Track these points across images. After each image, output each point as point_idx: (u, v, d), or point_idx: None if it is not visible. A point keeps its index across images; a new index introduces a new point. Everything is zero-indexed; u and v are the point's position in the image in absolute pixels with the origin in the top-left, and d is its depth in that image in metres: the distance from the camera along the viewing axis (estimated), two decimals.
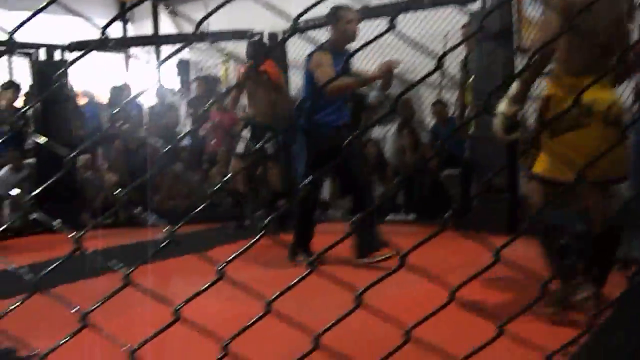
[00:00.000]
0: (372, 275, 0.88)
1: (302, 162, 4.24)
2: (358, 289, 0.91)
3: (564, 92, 2.66)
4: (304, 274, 0.92)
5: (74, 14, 0.87)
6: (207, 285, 0.89)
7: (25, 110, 5.75)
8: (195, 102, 8.44)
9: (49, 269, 0.88)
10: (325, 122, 4.13)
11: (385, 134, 7.09)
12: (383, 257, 4.01)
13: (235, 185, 5.76)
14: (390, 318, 0.93)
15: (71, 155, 0.87)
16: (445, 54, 0.98)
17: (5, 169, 6.92)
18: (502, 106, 2.79)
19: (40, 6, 0.85)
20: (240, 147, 5.69)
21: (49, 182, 0.88)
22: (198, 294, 0.90)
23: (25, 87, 7.45)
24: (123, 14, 10.59)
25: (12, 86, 7.22)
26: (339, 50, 4.09)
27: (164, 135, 7.59)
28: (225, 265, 0.88)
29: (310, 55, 4.12)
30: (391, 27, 0.86)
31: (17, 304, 0.88)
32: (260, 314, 0.89)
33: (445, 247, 3.41)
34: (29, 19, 0.85)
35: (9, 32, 0.84)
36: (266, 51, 5.81)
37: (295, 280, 0.92)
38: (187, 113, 8.46)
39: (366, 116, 7.21)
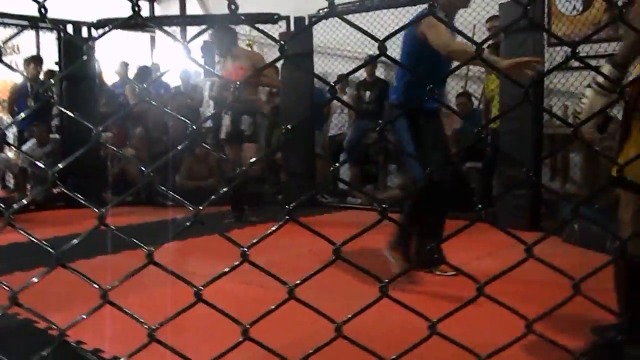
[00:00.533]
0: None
1: (412, 147, 3.44)
2: (382, 280, 0.89)
3: None
4: (328, 262, 0.90)
5: None
6: (231, 267, 0.88)
7: (49, 85, 5.76)
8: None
9: (73, 242, 0.87)
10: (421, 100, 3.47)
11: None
12: (451, 274, 3.51)
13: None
14: (415, 311, 0.91)
15: (98, 131, 0.84)
16: (484, 42, 0.94)
17: (32, 142, 7.00)
18: (591, 95, 2.08)
19: None
20: (222, 132, 5.66)
21: (74, 155, 0.85)
22: (221, 275, 0.89)
23: (51, 62, 7.51)
24: None
25: (35, 60, 7.27)
26: (448, 15, 3.42)
27: (187, 115, 7.60)
28: (249, 248, 0.86)
29: (419, 18, 3.39)
30: (430, 11, 0.82)
31: (38, 277, 0.88)
32: (283, 299, 0.88)
33: (471, 240, 3.38)
34: None
35: (39, 2, 0.83)
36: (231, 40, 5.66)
37: (318, 268, 0.91)
38: (210, 95, 8.47)
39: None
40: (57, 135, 7.19)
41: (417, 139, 3.41)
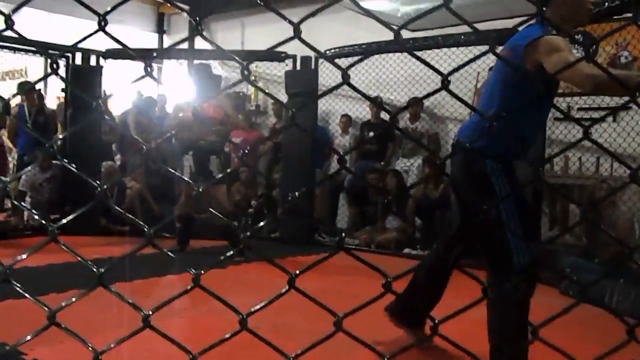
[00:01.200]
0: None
1: (518, 219, 2.49)
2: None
3: None
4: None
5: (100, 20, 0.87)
6: (277, 295, 0.86)
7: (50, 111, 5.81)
8: (224, 118, 8.51)
9: (112, 264, 0.86)
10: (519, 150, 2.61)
11: (410, 166, 7.05)
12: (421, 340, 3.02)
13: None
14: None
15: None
16: None
17: (33, 166, 7.01)
18: None
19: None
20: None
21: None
22: (269, 303, 0.87)
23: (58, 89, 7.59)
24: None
25: (31, 87, 7.35)
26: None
27: (190, 147, 7.63)
28: (297, 275, 0.85)
29: (530, 41, 2.32)
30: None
31: (76, 297, 0.87)
32: (331, 332, 0.86)
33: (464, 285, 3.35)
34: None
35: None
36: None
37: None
38: (215, 128, 8.52)
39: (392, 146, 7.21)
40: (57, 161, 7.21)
41: (521, 205, 2.53)
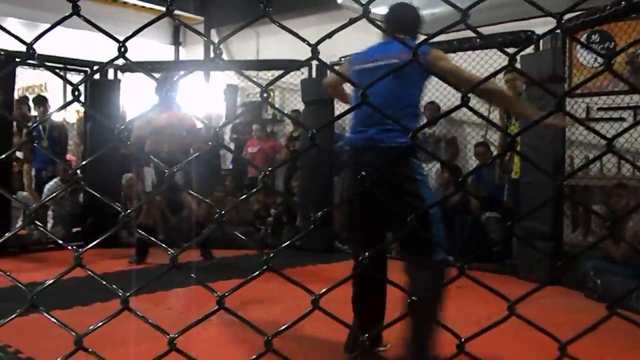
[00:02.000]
0: None
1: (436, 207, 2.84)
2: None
3: None
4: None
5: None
6: (302, 316, 0.86)
7: (36, 125, 5.88)
8: (239, 128, 8.55)
9: (137, 290, 0.87)
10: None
11: (428, 172, 7.01)
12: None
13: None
14: None
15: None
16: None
17: (56, 180, 7.09)
18: None
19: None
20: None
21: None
22: (294, 324, 0.87)
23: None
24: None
25: (42, 100, 7.47)
26: None
27: (207, 158, 7.68)
28: (321, 296, 0.85)
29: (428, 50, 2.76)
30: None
31: (102, 322, 0.87)
32: (357, 353, 0.86)
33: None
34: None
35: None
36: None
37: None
38: (231, 137, 8.55)
39: None
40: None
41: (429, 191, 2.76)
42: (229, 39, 9.84)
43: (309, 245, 6.33)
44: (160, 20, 0.88)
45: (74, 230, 7.02)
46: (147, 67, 6.96)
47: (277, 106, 9.09)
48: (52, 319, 0.90)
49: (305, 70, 6.92)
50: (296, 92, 7.16)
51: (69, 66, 6.91)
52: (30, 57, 0.86)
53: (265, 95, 0.83)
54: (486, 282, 0.97)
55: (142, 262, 5.60)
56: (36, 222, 0.92)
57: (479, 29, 3.59)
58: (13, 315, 0.96)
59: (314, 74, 6.88)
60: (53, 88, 10.37)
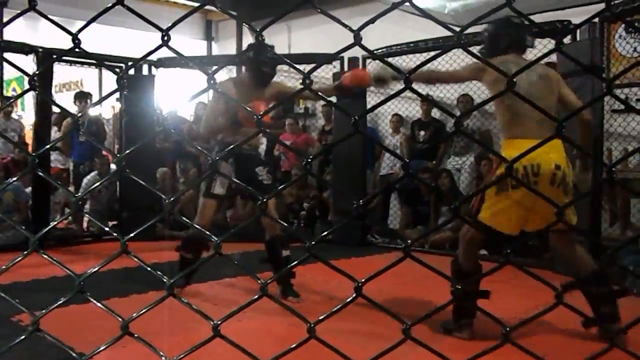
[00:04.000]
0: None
1: None
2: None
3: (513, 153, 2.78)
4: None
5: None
6: (345, 303, 0.86)
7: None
8: (272, 122, 8.58)
9: (181, 275, 0.89)
10: None
11: (462, 164, 6.94)
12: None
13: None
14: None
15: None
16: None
17: (93, 174, 7.23)
18: None
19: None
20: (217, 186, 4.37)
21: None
22: (337, 311, 0.87)
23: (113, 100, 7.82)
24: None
25: (83, 96, 7.60)
26: None
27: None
28: (364, 283, 0.85)
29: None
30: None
31: (147, 308, 0.89)
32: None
33: (529, 287, 3.30)
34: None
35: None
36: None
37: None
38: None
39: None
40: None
41: None
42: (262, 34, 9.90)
43: (342, 239, 6.34)
44: (194, 15, 0.89)
45: (110, 224, 7.14)
46: (180, 62, 7.04)
47: (308, 101, 9.10)
48: (99, 305, 0.92)
49: (337, 64, 6.90)
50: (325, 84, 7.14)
51: (105, 62, 7.01)
52: (77, 46, 0.88)
53: (308, 82, 0.83)
54: (524, 276, 0.95)
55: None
56: (82, 209, 0.94)
57: (514, 20, 3.53)
58: (60, 302, 0.98)
59: (345, 68, 6.87)
60: (89, 84, 10.56)
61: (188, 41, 10.73)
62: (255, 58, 4.38)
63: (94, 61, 6.80)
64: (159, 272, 0.89)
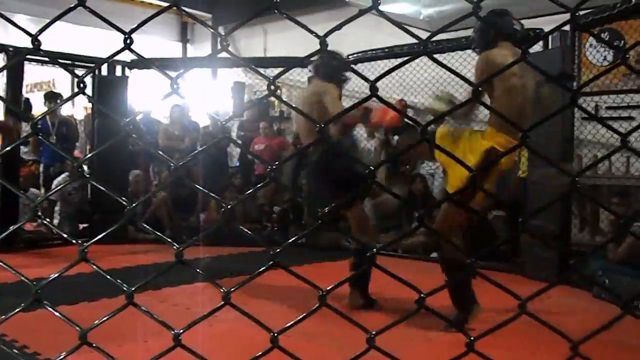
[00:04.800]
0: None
1: None
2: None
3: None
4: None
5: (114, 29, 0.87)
6: (309, 312, 0.84)
7: (40, 118, 5.89)
8: (246, 125, 8.54)
9: (143, 283, 0.86)
10: None
11: (435, 170, 6.99)
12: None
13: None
14: None
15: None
16: None
17: (64, 175, 7.11)
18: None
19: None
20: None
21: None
22: (301, 320, 0.86)
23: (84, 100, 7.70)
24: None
25: (53, 96, 7.47)
26: None
27: (215, 155, 7.68)
28: (328, 292, 0.83)
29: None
30: None
31: (106, 317, 0.87)
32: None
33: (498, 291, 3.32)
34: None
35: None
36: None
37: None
38: (238, 135, 8.55)
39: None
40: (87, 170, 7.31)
41: None
42: (237, 37, 9.83)
43: (315, 243, 6.33)
44: (169, 17, 0.87)
45: (81, 226, 7.04)
46: (154, 64, 6.97)
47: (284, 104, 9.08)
48: (56, 313, 0.89)
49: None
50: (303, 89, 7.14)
51: (75, 62, 6.91)
52: (36, 48, 0.85)
53: (272, 88, 0.82)
54: (490, 283, 0.95)
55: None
56: (40, 215, 0.91)
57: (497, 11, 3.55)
58: (17, 309, 0.95)
59: None
60: (61, 85, 10.40)
61: (163, 43, 10.64)
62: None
63: (64, 61, 6.68)
64: (118, 281, 0.87)
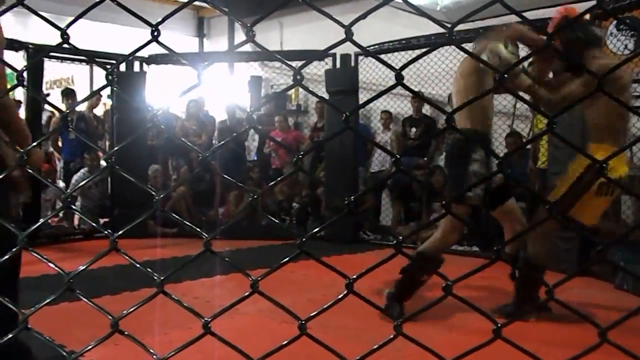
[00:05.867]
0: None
1: None
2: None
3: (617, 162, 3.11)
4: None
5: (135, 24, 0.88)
6: (336, 300, 0.85)
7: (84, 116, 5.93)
8: (264, 119, 8.56)
9: (172, 272, 0.88)
10: None
11: None
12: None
13: None
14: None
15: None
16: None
17: (83, 170, 7.18)
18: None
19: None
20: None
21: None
22: (328, 308, 0.87)
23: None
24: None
25: (70, 93, 7.54)
26: None
27: (232, 149, 7.72)
28: (355, 280, 0.84)
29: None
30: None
31: (137, 305, 0.88)
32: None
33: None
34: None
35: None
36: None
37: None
38: (255, 129, 8.56)
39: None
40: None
41: None
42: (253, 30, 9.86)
43: (334, 236, 6.34)
44: (185, 12, 0.88)
45: (102, 221, 7.11)
46: (179, 57, 7.01)
47: (301, 97, 9.08)
48: (89, 303, 0.91)
49: (329, 60, 6.90)
50: (320, 82, 7.13)
51: (96, 58, 6.97)
52: (65, 42, 0.87)
53: (299, 77, 0.83)
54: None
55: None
56: (72, 207, 0.93)
57: (502, 19, 3.54)
58: (49, 299, 0.97)
59: (337, 64, 6.86)
60: (80, 81, 10.49)
61: (180, 38, 10.68)
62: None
63: (84, 58, 6.75)
64: (149, 270, 0.88)
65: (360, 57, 6.86)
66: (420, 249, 3.58)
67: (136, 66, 7.19)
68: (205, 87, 5.22)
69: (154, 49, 0.83)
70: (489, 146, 3.77)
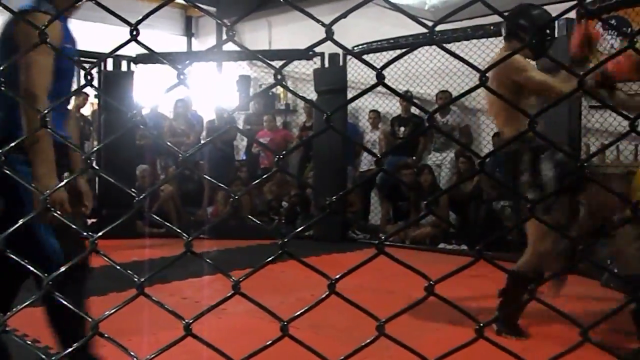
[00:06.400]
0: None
1: None
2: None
3: None
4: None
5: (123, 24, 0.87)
6: (318, 300, 0.85)
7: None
8: (252, 118, 8.55)
9: (152, 274, 0.87)
10: None
11: (442, 160, 6.97)
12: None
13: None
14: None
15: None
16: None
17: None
18: None
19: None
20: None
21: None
22: (310, 308, 0.86)
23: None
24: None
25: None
26: None
27: (221, 148, 7.69)
28: (337, 280, 0.84)
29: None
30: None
31: (116, 307, 0.87)
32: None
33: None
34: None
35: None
36: None
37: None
38: (244, 128, 8.56)
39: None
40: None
41: None
42: (242, 30, 9.80)
43: (323, 236, 6.34)
44: (173, 11, 0.87)
45: (89, 222, 7.06)
46: (162, 57, 6.98)
47: (290, 97, 9.07)
48: (69, 305, 0.90)
49: (317, 60, 6.89)
50: (308, 82, 7.14)
51: (81, 58, 6.91)
52: (43, 41, 0.86)
53: (279, 77, 0.82)
54: (501, 271, 0.95)
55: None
56: (51, 208, 0.92)
57: (490, 18, 3.55)
58: (27, 302, 0.96)
59: (326, 64, 6.86)
60: None
61: (168, 37, 10.63)
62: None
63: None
64: (129, 271, 0.87)
65: (348, 57, 6.87)
66: (513, 267, 3.22)
67: (124, 65, 7.15)
68: (190, 87, 5.13)
69: (142, 48, 0.82)
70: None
